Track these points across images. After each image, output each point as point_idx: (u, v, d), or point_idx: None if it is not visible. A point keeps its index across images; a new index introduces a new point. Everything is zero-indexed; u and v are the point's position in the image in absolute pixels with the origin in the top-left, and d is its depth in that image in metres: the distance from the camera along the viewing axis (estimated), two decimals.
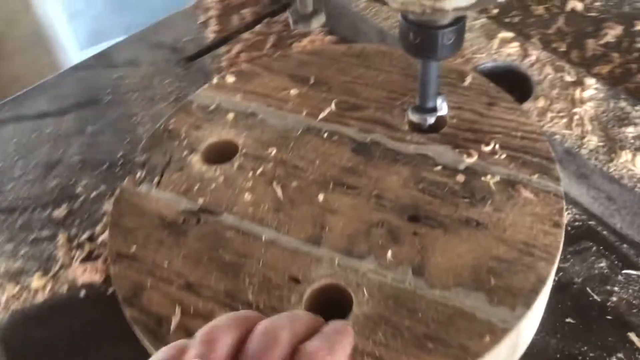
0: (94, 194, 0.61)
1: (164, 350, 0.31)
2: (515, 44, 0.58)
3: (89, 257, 0.56)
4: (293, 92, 0.57)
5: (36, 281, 0.56)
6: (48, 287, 0.55)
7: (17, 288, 0.55)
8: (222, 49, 0.75)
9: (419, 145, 0.51)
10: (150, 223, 0.49)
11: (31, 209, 0.61)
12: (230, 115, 0.56)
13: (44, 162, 0.66)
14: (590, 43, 0.67)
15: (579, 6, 0.71)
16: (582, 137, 0.51)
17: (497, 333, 0.39)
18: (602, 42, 0.67)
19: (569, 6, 0.70)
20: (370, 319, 0.41)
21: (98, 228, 0.58)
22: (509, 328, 0.39)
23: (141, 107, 0.70)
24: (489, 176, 0.48)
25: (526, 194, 0.46)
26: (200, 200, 0.50)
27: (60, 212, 0.61)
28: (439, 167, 0.49)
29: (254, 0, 0.82)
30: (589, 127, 0.52)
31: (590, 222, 0.53)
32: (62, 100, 0.73)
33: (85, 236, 0.58)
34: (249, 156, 0.53)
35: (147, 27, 0.81)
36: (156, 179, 0.52)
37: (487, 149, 0.49)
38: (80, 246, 0.57)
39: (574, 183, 0.52)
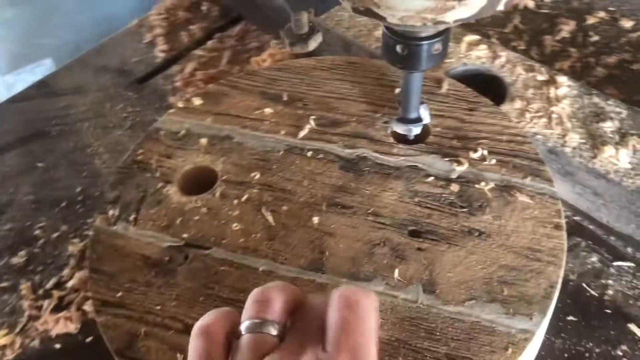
0: (54, 235, 0.56)
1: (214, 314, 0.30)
2: (484, 46, 0.58)
3: (59, 306, 0.51)
4: (267, 111, 0.54)
5: (2, 338, 0.51)
6: (17, 343, 0.49)
7: None
8: (174, 68, 0.71)
9: (408, 157, 0.49)
10: (134, 265, 0.44)
11: None
12: (204, 140, 0.52)
13: None
14: (548, 40, 0.67)
15: (531, 4, 0.72)
16: (564, 135, 0.50)
17: (519, 344, 0.38)
18: (558, 37, 0.68)
19: (522, 4, 0.72)
20: (388, 344, 0.38)
21: (65, 272, 0.53)
22: (530, 337, 0.38)
23: (95, 137, 0.65)
24: (482, 183, 0.46)
25: (522, 198, 0.45)
26: (185, 235, 0.46)
27: (18, 259, 0.55)
28: (432, 178, 0.47)
29: (201, 15, 0.78)
30: (568, 124, 0.51)
31: (576, 218, 0.52)
32: (3, 135, 0.67)
33: (51, 283, 0.53)
34: (230, 183, 0.49)
35: (89, 50, 0.75)
36: (132, 216, 0.47)
37: (476, 155, 0.48)
38: (47, 294, 0.52)
39: (559, 181, 0.51)
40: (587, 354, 0.45)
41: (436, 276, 0.41)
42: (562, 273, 0.41)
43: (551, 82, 0.54)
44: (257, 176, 0.49)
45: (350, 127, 0.52)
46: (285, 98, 0.55)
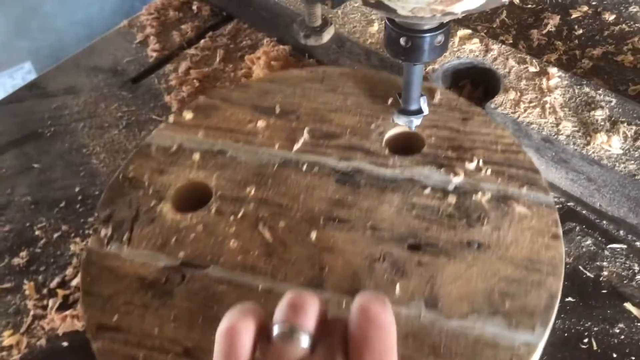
0: (55, 235, 0.55)
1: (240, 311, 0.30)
2: (476, 40, 0.59)
3: (65, 304, 0.50)
4: (260, 124, 0.52)
5: (8, 338, 0.50)
6: (24, 343, 0.48)
7: None
8: (168, 67, 0.69)
9: (403, 168, 0.48)
10: (129, 287, 0.42)
11: None
12: (196, 156, 0.50)
13: None
14: (535, 33, 0.69)
15: None
16: (557, 124, 0.50)
17: (523, 357, 0.37)
18: (544, 31, 0.70)
19: None
20: None
21: (69, 271, 0.52)
22: (533, 350, 0.37)
23: (91, 137, 0.63)
24: (479, 194, 0.45)
25: (519, 208, 0.44)
26: (181, 254, 0.44)
27: (20, 259, 0.54)
28: (429, 190, 0.46)
29: (192, 15, 0.76)
30: (561, 113, 0.50)
31: (569, 204, 0.52)
32: None
33: (55, 282, 0.52)
34: (225, 199, 0.47)
35: (80, 51, 0.72)
36: (126, 236, 0.45)
37: (472, 165, 0.47)
38: (52, 293, 0.51)
39: (553, 168, 0.51)
40: (586, 333, 0.46)
41: (437, 290, 0.40)
42: (561, 284, 0.40)
43: (543, 73, 0.55)
44: (253, 191, 0.47)
45: (344, 139, 0.50)
46: (277, 110, 0.53)
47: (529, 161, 0.47)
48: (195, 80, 0.67)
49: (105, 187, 0.50)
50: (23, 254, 0.55)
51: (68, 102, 0.68)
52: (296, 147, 0.50)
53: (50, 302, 0.52)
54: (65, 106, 0.68)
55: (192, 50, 0.71)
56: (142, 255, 0.44)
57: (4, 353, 0.49)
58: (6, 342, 0.50)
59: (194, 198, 0.48)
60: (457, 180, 0.46)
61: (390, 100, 0.52)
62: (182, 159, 0.50)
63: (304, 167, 0.49)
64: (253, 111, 0.53)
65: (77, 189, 0.60)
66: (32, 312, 0.51)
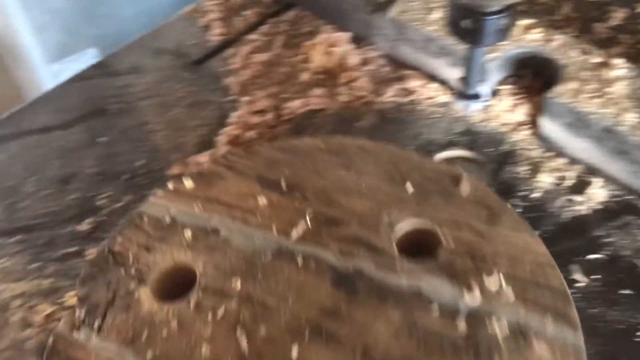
0: (118, 205, 0.57)
1: None
2: (538, 29, 0.59)
3: None
4: (262, 201, 0.47)
5: (71, 299, 0.51)
6: None
7: (53, 307, 0.51)
8: (229, 51, 0.71)
9: (411, 276, 0.41)
10: None
11: (52, 226, 0.57)
12: (188, 233, 0.46)
13: (57, 177, 0.61)
14: (598, 27, 0.69)
15: None
16: (619, 115, 0.50)
17: None
18: (609, 25, 0.70)
19: None
20: None
21: None
22: None
23: (154, 115, 0.66)
24: (494, 321, 0.38)
25: (540, 347, 0.37)
26: (149, 354, 0.39)
27: (84, 226, 0.56)
28: (436, 309, 0.39)
29: (255, 1, 0.78)
30: (624, 104, 0.50)
31: (629, 197, 0.52)
32: (66, 112, 0.68)
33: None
34: (208, 290, 0.42)
35: (145, 34, 0.75)
36: (97, 323, 0.41)
37: (491, 280, 0.40)
38: None
39: (612, 160, 0.51)
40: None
41: None
42: None
43: (606, 64, 0.55)
44: (239, 284, 0.42)
45: (350, 229, 0.44)
46: (284, 186, 0.48)
47: (559, 283, 0.41)
48: (255, 65, 0.69)
49: (86, 264, 0.47)
50: (87, 221, 0.58)
51: (133, 81, 0.71)
52: (295, 234, 0.45)
53: None
54: (130, 85, 0.71)
55: (253, 36, 0.73)
56: (109, 350, 0.40)
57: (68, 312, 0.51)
58: (69, 302, 0.52)
59: (176, 282, 0.44)
60: (470, 300, 0.40)
61: (410, 189, 0.47)
62: (173, 235, 0.46)
63: (300, 261, 0.43)
64: (257, 184, 0.49)
65: (139, 163, 0.62)
66: None
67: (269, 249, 0.44)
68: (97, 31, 1.36)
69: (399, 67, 0.67)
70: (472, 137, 0.58)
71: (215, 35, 0.74)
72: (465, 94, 0.48)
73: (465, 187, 0.46)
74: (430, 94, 0.63)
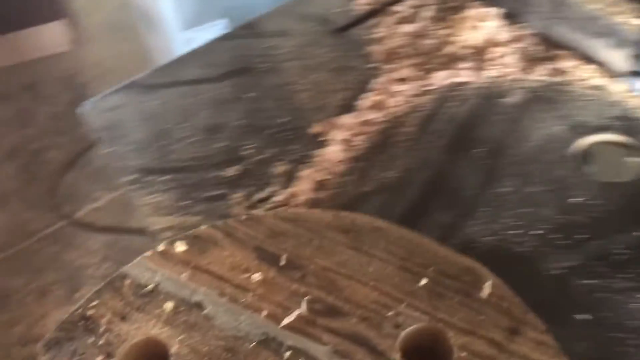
0: (261, 157, 0.60)
1: None
2: None
3: None
4: (256, 276, 0.43)
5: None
6: None
7: None
8: (374, 20, 0.72)
9: None
10: None
11: (200, 170, 0.60)
12: (169, 305, 0.42)
13: (206, 126, 0.64)
14: None
15: None
16: None
17: None
18: None
19: None
20: None
21: (268, 190, 0.57)
22: None
23: (297, 76, 0.67)
24: None
25: None
26: None
27: (230, 172, 0.59)
28: None
29: None
30: None
31: None
32: (216, 67, 0.71)
33: (257, 197, 0.56)
34: None
35: (292, 0, 0.83)
36: None
37: None
38: (251, 207, 0.55)
39: None
40: None
41: None
42: None
43: None
44: None
45: (349, 323, 0.40)
46: (283, 262, 0.44)
47: None
48: (400, 35, 0.69)
49: (59, 323, 0.43)
50: (234, 168, 0.61)
51: (279, 43, 0.74)
52: (287, 320, 0.40)
53: (254, 212, 0.57)
54: (277, 46, 0.73)
55: (399, 7, 0.74)
56: None
57: None
58: None
59: (147, 357, 0.41)
60: None
61: (423, 282, 0.42)
62: (152, 306, 0.42)
63: (286, 355, 0.39)
64: (255, 256, 0.44)
65: (283, 120, 0.65)
66: None
67: (255, 335, 0.40)
68: (229, 2, 1.42)
69: (552, 46, 0.65)
70: (628, 123, 0.56)
71: (361, 4, 0.75)
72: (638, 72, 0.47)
73: (487, 289, 0.41)
74: (583, 75, 0.61)
